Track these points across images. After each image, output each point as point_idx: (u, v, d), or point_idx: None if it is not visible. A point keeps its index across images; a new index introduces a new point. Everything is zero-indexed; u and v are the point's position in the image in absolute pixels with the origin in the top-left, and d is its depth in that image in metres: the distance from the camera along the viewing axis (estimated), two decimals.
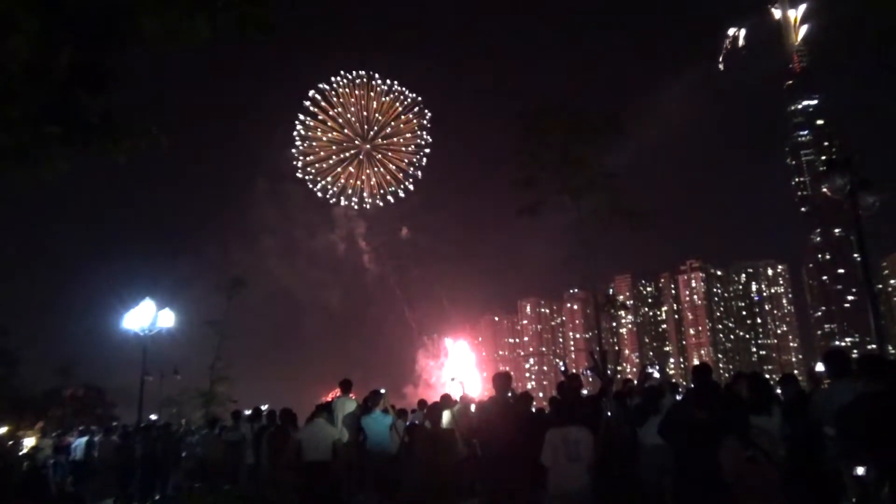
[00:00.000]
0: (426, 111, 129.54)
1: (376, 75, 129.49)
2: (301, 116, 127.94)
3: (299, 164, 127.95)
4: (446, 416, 10.90)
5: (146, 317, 21.82)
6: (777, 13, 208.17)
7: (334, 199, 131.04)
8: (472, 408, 11.97)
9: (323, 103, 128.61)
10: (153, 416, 30.52)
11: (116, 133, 2.83)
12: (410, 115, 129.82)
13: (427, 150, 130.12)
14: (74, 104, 2.72)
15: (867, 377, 5.04)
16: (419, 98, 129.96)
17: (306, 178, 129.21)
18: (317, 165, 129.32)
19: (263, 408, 14.93)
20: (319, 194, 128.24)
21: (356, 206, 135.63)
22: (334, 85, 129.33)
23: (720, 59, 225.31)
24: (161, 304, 22.37)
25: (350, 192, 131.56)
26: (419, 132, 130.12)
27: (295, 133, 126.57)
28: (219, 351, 24.30)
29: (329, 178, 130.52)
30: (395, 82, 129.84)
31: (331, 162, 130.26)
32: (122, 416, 48.22)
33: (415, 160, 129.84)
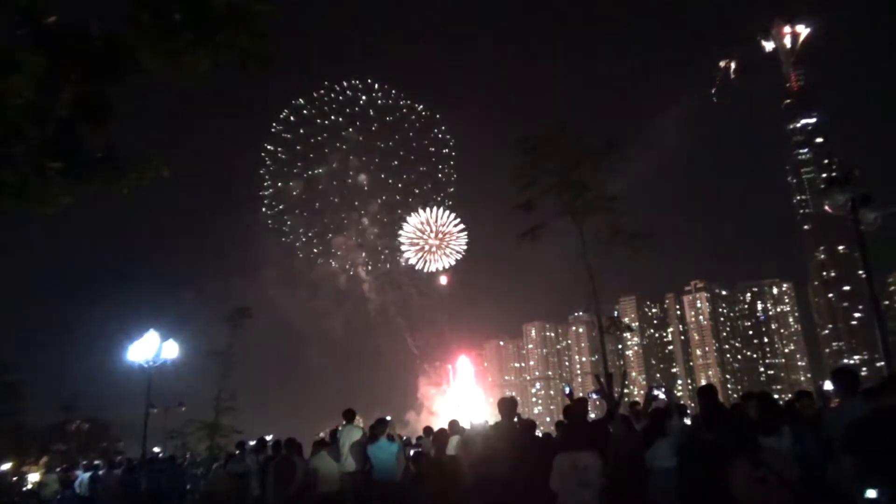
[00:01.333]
0: (448, 136, 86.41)
1: (376, 85, 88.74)
2: (270, 147, 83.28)
3: (271, 212, 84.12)
4: (453, 443, 10.82)
5: (150, 349, 21.73)
6: (767, 46, 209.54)
7: (321, 260, 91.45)
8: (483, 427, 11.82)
9: (302, 129, 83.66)
10: (157, 449, 30.25)
11: (120, 166, 2.85)
12: (425, 141, 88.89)
13: (451, 189, 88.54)
14: (76, 139, 2.75)
15: (881, 393, 4.98)
16: (437, 116, 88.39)
17: (283, 228, 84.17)
18: (296, 212, 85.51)
19: (268, 438, 14.79)
20: (300, 254, 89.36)
21: (351, 271, 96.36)
22: (317, 102, 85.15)
23: (713, 91, 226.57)
24: (165, 336, 22.31)
25: (342, 250, 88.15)
26: (439, 164, 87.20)
27: (263, 171, 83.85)
28: (223, 382, 24.22)
29: (312, 231, 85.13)
30: (402, 94, 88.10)
31: (316, 207, 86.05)
32: (127, 450, 47.85)
33: (431, 203, 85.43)
